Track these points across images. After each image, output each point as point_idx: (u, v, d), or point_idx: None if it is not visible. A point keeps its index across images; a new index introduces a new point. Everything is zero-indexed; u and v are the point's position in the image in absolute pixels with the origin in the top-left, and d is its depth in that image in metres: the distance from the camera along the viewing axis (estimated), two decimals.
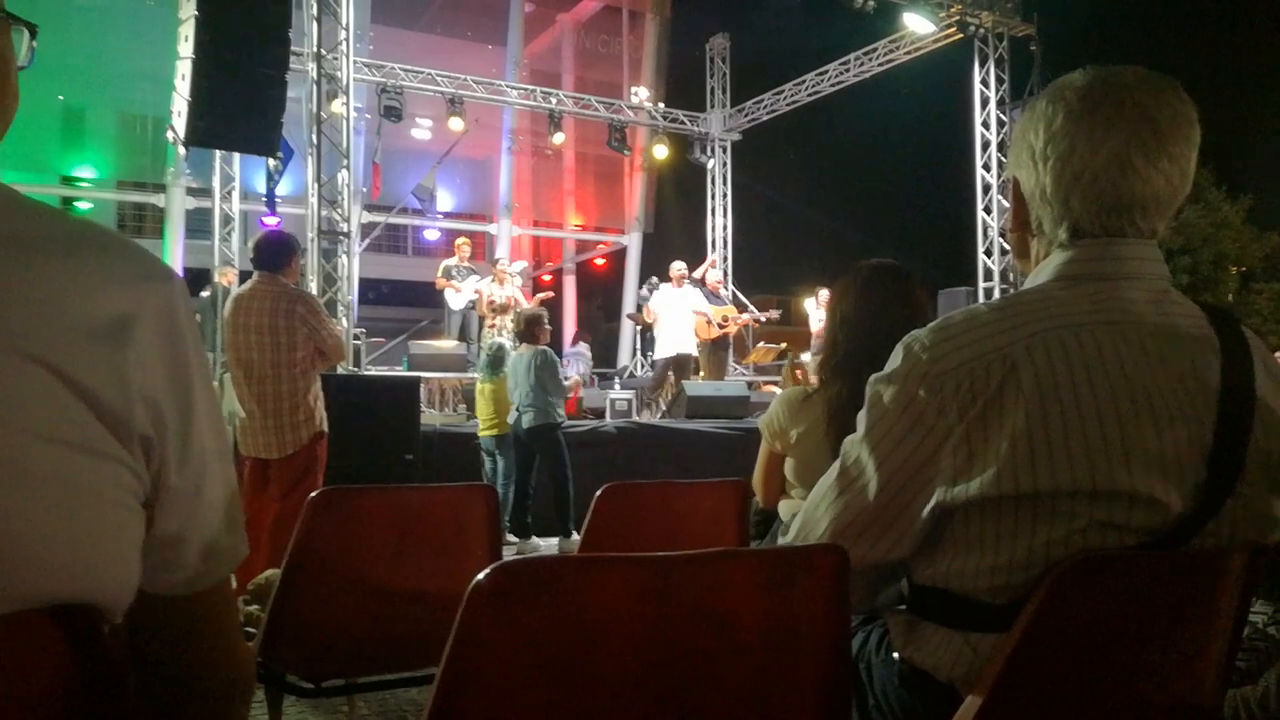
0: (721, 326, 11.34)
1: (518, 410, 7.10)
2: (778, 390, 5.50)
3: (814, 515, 1.27)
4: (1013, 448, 1.12)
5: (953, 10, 12.02)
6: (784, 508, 2.69)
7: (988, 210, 12.61)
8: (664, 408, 10.58)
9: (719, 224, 16.56)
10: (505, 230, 18.84)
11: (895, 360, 1.22)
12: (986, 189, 12.59)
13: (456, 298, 11.52)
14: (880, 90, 15.17)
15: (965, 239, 13.11)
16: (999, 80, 12.49)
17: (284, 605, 2.20)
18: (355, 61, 9.66)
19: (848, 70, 14.40)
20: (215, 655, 0.99)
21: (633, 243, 19.08)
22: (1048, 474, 1.11)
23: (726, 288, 13.44)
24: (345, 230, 9.04)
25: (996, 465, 1.13)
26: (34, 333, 0.78)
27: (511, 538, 7.10)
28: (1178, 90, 1.21)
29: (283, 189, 10.64)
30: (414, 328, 13.42)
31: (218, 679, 1.00)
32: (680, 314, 10.86)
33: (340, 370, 6.88)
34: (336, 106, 8.98)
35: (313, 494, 2.26)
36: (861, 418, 1.24)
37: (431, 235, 20.25)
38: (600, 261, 21.04)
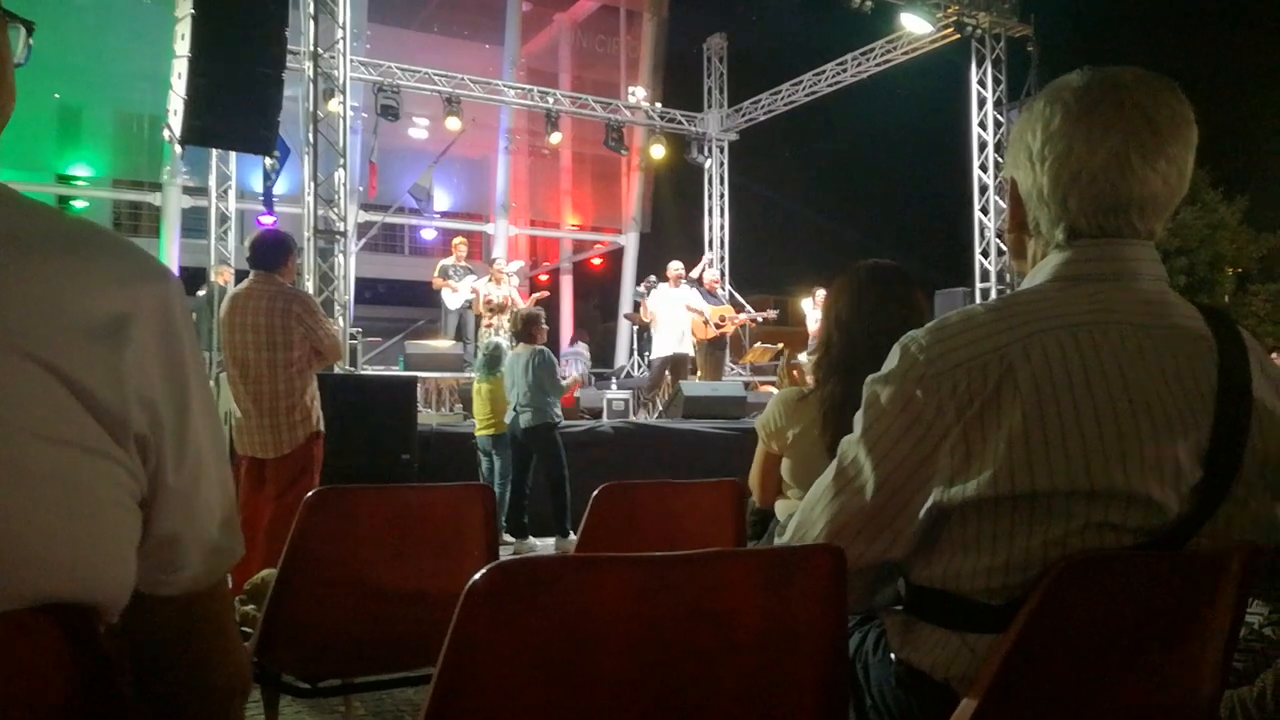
0: (719, 326, 11.34)
1: (515, 410, 7.09)
2: (774, 390, 5.50)
3: (811, 515, 1.27)
4: (1010, 448, 1.12)
5: (950, 11, 12.03)
6: (780, 508, 2.69)
7: (985, 211, 12.62)
8: (661, 408, 10.58)
9: (716, 224, 16.56)
10: (502, 230, 18.84)
11: (892, 361, 1.22)
12: (983, 189, 12.60)
13: (453, 297, 11.52)
14: (877, 91, 15.19)
15: (962, 239, 13.14)
16: (996, 81, 12.50)
17: (280, 605, 2.20)
18: (352, 60, 9.64)
19: (845, 70, 14.41)
20: (212, 655, 0.99)
21: (630, 243, 19.08)
22: (1045, 474, 1.12)
23: (724, 287, 13.44)
24: (342, 229, 9.03)
25: (994, 465, 1.13)
26: (31, 331, 0.78)
27: (508, 538, 7.09)
28: (1175, 91, 1.21)
29: (279, 188, 10.62)
30: (410, 327, 13.42)
31: (214, 679, 1.00)
32: (677, 314, 10.87)
33: (337, 370, 6.88)
34: (333, 105, 8.97)
35: (309, 494, 2.26)
36: (858, 418, 1.24)
37: (428, 235, 20.22)
38: (597, 261, 21.04)
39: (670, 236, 18.82)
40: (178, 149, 8.80)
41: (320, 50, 8.88)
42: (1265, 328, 24.44)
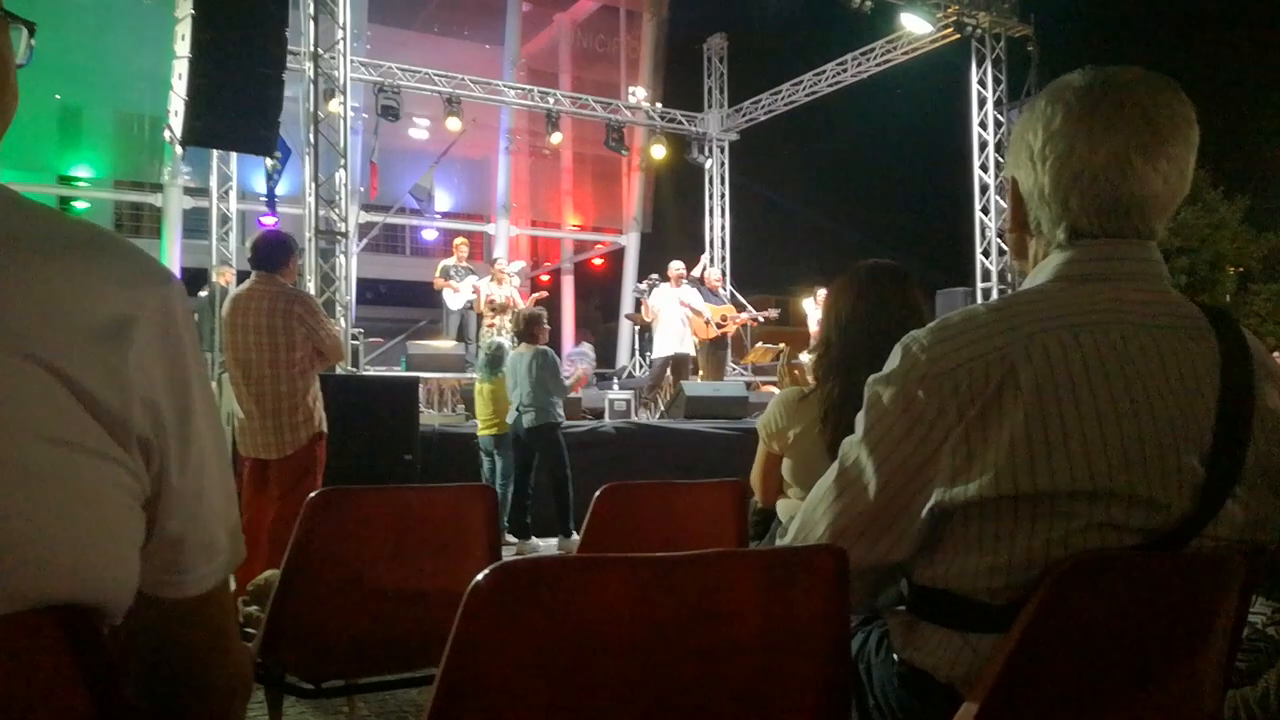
0: (720, 326, 11.35)
1: (517, 410, 7.10)
2: (776, 390, 5.50)
3: (813, 517, 1.27)
4: (1011, 448, 1.12)
5: (950, 10, 12.03)
6: (782, 507, 2.69)
7: (985, 211, 12.61)
8: (662, 407, 10.58)
9: (717, 224, 16.57)
10: (503, 230, 18.84)
11: (894, 361, 1.22)
12: (984, 189, 12.60)
13: (454, 298, 11.52)
14: (878, 91, 15.20)
15: (963, 239, 13.13)
16: (996, 81, 12.50)
17: (283, 606, 2.20)
18: (352, 61, 9.65)
19: (845, 70, 14.41)
20: (213, 656, 1.00)
21: (631, 243, 19.08)
22: (1047, 474, 1.11)
23: (725, 287, 13.44)
24: (343, 230, 9.03)
25: (995, 466, 1.12)
26: (33, 333, 0.78)
27: (511, 538, 7.09)
28: (1177, 91, 1.21)
29: (280, 189, 10.63)
30: (412, 328, 13.43)
31: (215, 679, 1.00)
32: (678, 313, 10.87)
33: (339, 370, 6.88)
34: (334, 106, 8.97)
35: (312, 494, 2.26)
36: (860, 419, 1.24)
37: (429, 235, 20.22)
38: (598, 261, 21.03)
39: (671, 236, 18.83)
40: (179, 150, 8.80)
41: (321, 51, 8.88)
42: (1267, 327, 24.43)
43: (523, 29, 18.96)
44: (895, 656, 1.28)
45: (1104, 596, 1.13)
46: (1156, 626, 1.18)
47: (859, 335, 2.38)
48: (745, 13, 18.52)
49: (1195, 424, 1.15)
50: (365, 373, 9.32)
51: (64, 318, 0.80)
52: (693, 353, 11.16)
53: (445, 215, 18.89)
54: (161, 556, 0.90)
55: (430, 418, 9.01)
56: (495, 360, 7.58)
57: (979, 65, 12.59)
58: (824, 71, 14.74)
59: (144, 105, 14.39)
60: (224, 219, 11.71)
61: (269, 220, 10.43)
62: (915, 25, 12.32)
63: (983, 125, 12.58)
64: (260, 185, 11.86)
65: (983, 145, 12.57)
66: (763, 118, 16.04)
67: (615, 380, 14.38)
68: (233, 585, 1.03)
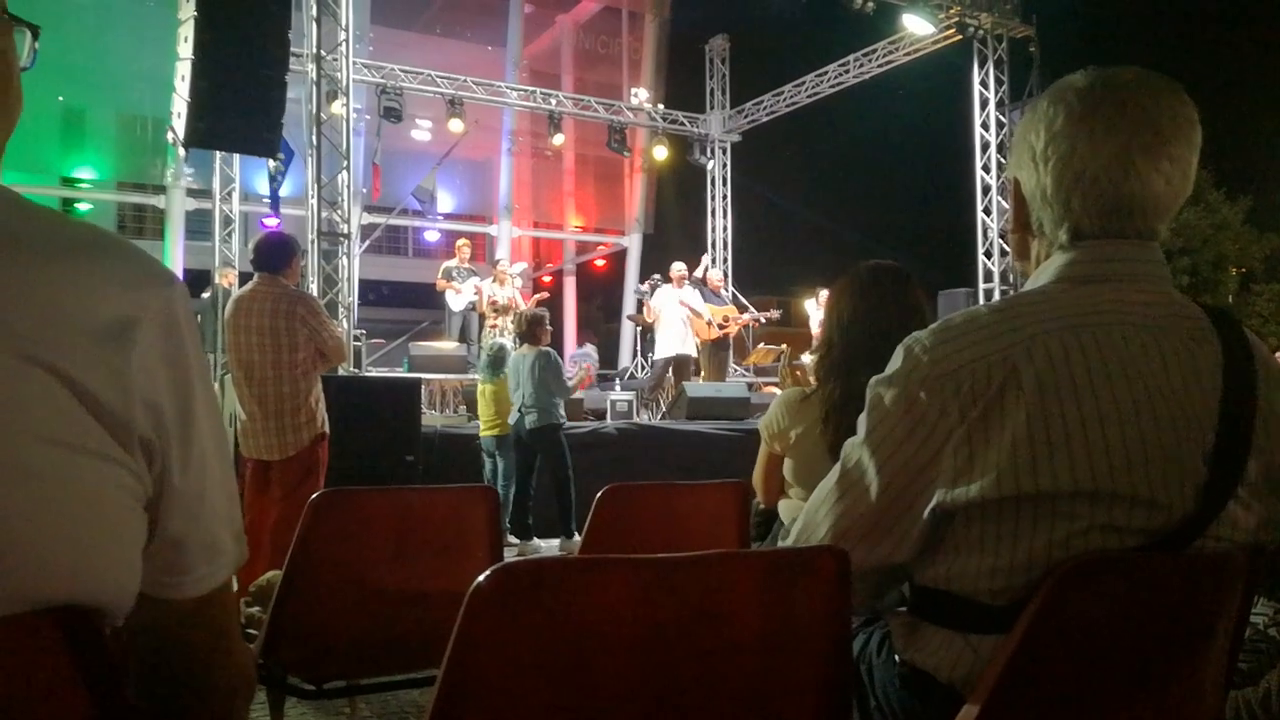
0: (722, 327, 11.35)
1: (520, 411, 7.10)
2: (778, 391, 5.50)
3: (815, 519, 1.27)
4: (1013, 449, 1.12)
5: (952, 11, 12.02)
6: (783, 508, 2.69)
7: (987, 211, 12.61)
8: (663, 408, 10.58)
9: (719, 225, 16.57)
10: (505, 231, 18.85)
11: (896, 362, 1.22)
12: (986, 190, 12.60)
13: (457, 299, 11.53)
14: (879, 91, 15.19)
15: (965, 240, 13.12)
16: (998, 81, 12.49)
17: (285, 607, 2.21)
18: (355, 62, 9.66)
19: (847, 71, 14.41)
20: (216, 657, 1.00)
21: (633, 244, 19.09)
22: (1048, 475, 1.11)
23: (727, 288, 13.44)
24: (345, 232, 9.04)
25: (997, 467, 1.12)
26: (35, 335, 0.78)
27: (513, 539, 7.10)
28: (1179, 92, 1.21)
29: (283, 190, 10.63)
30: (414, 329, 13.41)
31: (217, 680, 1.00)
32: (680, 314, 10.88)
33: (341, 372, 6.88)
34: (336, 108, 8.98)
35: (314, 495, 2.26)
36: (862, 420, 1.24)
37: (432, 237, 20.24)
38: (600, 263, 21.04)
39: (673, 237, 18.84)
40: (181, 151, 8.81)
41: (323, 52, 8.89)
42: (1269, 327, 24.42)
43: (525, 30, 18.98)
44: (897, 657, 1.28)
45: (1105, 597, 1.13)
46: (1158, 627, 1.18)
47: (860, 336, 2.38)
48: (747, 14, 18.51)
49: (1197, 425, 1.15)
50: (367, 374, 9.33)
51: (66, 319, 0.80)
52: (694, 354, 11.16)
53: (447, 217, 18.91)
54: (163, 557, 0.90)
55: (432, 419, 9.02)
56: (497, 361, 7.58)
57: (981, 66, 12.58)
58: (826, 72, 14.74)
59: (146, 107, 14.43)
60: (226, 220, 11.73)
61: (271, 222, 10.45)
62: (917, 26, 12.32)
63: (984, 126, 12.58)
64: (263, 187, 11.87)
65: (984, 146, 12.56)
66: (765, 119, 16.04)
67: (617, 381, 14.37)
68: (235, 586, 1.03)
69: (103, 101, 15.54)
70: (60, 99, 14.77)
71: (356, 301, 9.47)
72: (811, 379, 2.70)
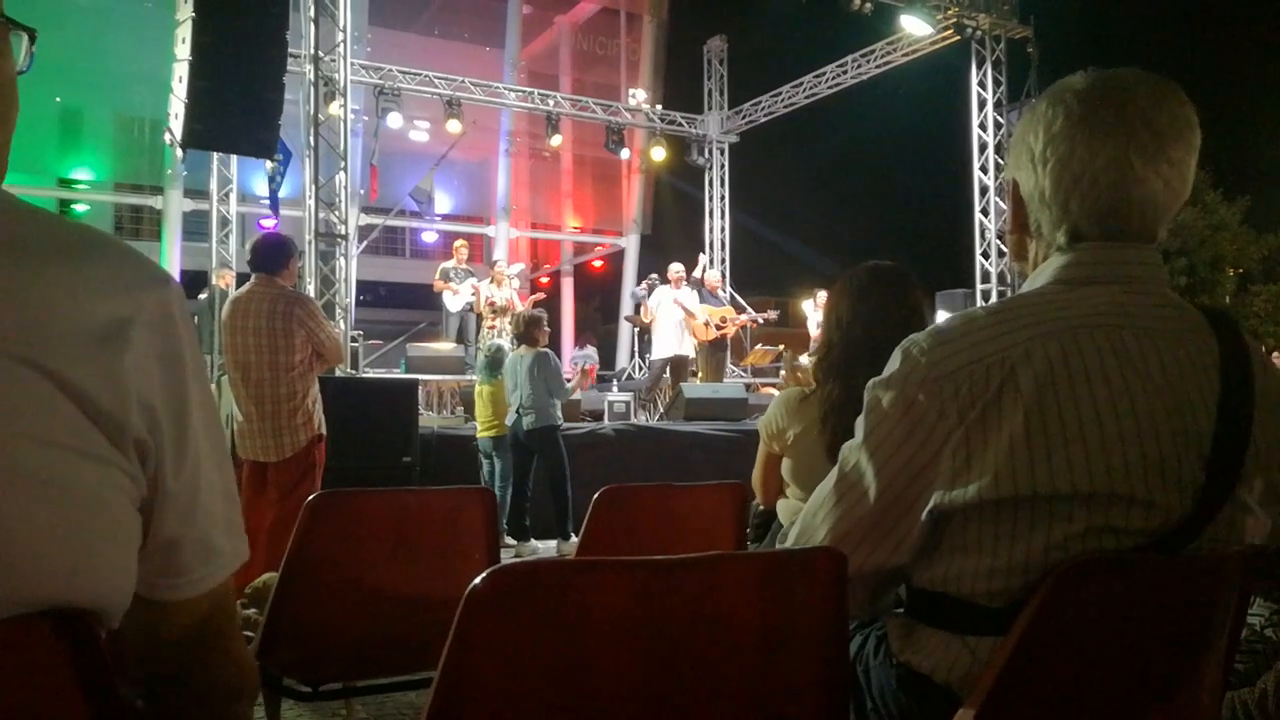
0: (719, 328, 11.35)
1: (517, 412, 7.10)
2: (776, 392, 5.50)
3: (813, 523, 1.26)
4: (1011, 451, 1.12)
5: (950, 12, 12.04)
6: (781, 508, 2.69)
7: (985, 212, 12.62)
8: (661, 409, 10.58)
9: (717, 226, 16.59)
10: (503, 232, 18.85)
11: (894, 364, 1.22)
12: (984, 191, 12.61)
13: (454, 300, 11.52)
14: (877, 92, 15.19)
15: (963, 241, 13.14)
16: (996, 82, 12.51)
17: (282, 608, 2.20)
18: (352, 63, 9.66)
19: (845, 72, 14.43)
20: (214, 658, 0.99)
21: (631, 245, 19.09)
22: (1046, 477, 1.11)
23: (725, 289, 13.44)
24: (343, 233, 9.04)
25: (995, 468, 1.12)
26: (30, 337, 0.78)
27: (510, 540, 7.09)
28: (1178, 93, 1.21)
29: (281, 191, 10.63)
30: (412, 330, 13.40)
31: (217, 682, 1.00)
32: (677, 315, 10.89)
33: (338, 373, 6.89)
34: (334, 109, 8.98)
35: (311, 497, 2.26)
36: (860, 423, 1.24)
37: (429, 237, 20.22)
38: (598, 263, 21.05)
39: (671, 238, 18.85)
40: (179, 152, 8.79)
41: (321, 53, 8.89)
42: (1267, 328, 24.44)
43: (523, 31, 18.98)
44: (894, 659, 1.28)
45: (1103, 599, 1.13)
46: (1155, 629, 1.18)
47: (860, 337, 2.37)
48: (745, 15, 18.56)
49: (1195, 426, 1.15)
50: (365, 375, 9.32)
51: (61, 321, 0.79)
52: (692, 354, 11.17)
53: (445, 217, 18.90)
54: (158, 559, 0.89)
55: (429, 420, 9.01)
56: (495, 362, 7.58)
57: (979, 67, 12.60)
58: (824, 73, 14.76)
59: (144, 108, 14.42)
60: (224, 222, 11.70)
61: (268, 223, 10.44)
62: (915, 27, 12.33)
63: (982, 127, 12.60)
64: (260, 188, 11.87)
65: (982, 147, 12.58)
66: (762, 119, 16.06)
67: (615, 382, 14.37)
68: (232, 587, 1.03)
69: (100, 102, 15.53)
70: (57, 100, 14.75)
71: (354, 302, 9.48)
72: (811, 380, 2.70)
